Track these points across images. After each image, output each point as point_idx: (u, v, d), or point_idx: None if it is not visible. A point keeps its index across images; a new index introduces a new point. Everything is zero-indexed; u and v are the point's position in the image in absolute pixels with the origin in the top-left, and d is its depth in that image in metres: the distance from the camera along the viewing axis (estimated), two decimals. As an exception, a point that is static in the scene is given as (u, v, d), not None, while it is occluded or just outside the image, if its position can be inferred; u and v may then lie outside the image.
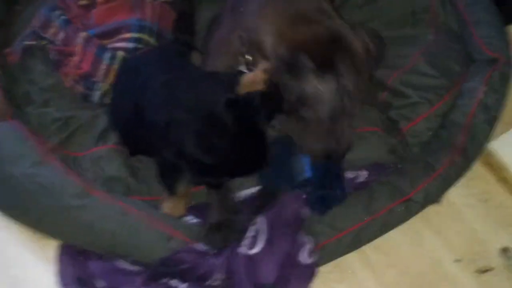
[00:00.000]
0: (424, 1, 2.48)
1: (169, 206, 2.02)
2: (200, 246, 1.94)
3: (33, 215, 2.00)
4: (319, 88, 1.81)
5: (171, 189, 1.99)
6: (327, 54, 1.80)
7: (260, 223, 1.95)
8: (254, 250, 1.91)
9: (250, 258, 1.90)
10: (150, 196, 2.10)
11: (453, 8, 2.44)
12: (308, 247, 1.95)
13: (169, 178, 1.98)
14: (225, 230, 1.95)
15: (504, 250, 2.18)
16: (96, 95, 2.32)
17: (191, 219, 2.06)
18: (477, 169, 2.31)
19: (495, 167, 2.30)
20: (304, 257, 1.95)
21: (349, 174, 2.08)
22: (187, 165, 1.81)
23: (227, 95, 1.80)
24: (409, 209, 2.06)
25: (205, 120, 1.78)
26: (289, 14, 1.93)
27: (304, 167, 1.99)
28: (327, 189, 1.98)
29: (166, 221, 1.97)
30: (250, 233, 1.94)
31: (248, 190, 2.09)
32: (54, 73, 2.39)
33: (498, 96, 2.19)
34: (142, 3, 2.46)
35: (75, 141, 2.21)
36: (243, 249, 1.91)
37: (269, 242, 1.92)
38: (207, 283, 1.92)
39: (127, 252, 1.96)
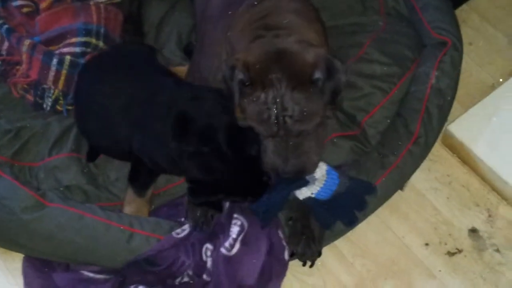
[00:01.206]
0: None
1: (133, 209, 2.00)
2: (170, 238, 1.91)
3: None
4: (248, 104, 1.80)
5: (141, 192, 1.99)
6: (266, 70, 1.76)
7: (241, 225, 1.93)
8: (234, 251, 1.90)
9: (230, 259, 1.89)
10: (109, 202, 2.07)
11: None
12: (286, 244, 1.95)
13: (143, 181, 2.00)
14: (205, 205, 1.94)
15: (472, 231, 2.18)
16: (48, 103, 2.27)
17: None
18: (438, 151, 2.32)
19: (455, 149, 2.31)
20: (286, 255, 1.94)
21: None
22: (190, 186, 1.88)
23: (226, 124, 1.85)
24: (369, 203, 2.02)
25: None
26: (250, 28, 1.92)
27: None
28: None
29: (123, 220, 1.93)
30: (232, 234, 1.92)
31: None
32: (2, 84, 2.33)
33: (450, 79, 2.18)
34: (86, 6, 2.41)
35: (29, 152, 2.17)
36: (223, 250, 1.90)
37: (249, 242, 1.91)
38: (176, 281, 1.91)
39: (90, 259, 1.93)
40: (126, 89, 1.99)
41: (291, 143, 1.78)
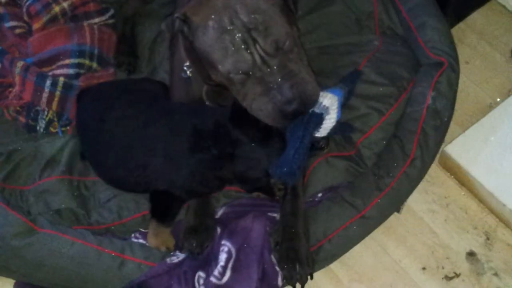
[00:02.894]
0: (367, 7, 2.46)
1: (159, 242, 1.96)
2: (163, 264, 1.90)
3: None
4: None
5: (168, 223, 1.96)
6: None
7: (229, 251, 1.90)
8: (224, 280, 1.87)
9: (221, 288, 1.87)
10: (99, 225, 2.05)
11: (396, 12, 2.42)
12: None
13: (169, 211, 1.96)
14: (201, 234, 1.91)
15: (470, 255, 2.15)
16: (42, 124, 2.25)
17: (137, 240, 2.01)
18: (436, 173, 2.29)
19: (453, 171, 2.28)
20: (280, 281, 1.91)
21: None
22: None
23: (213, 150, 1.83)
24: (365, 226, 2.01)
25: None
26: None
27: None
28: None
29: (115, 246, 1.91)
30: (220, 262, 1.89)
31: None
32: (-6, 106, 2.31)
33: (447, 100, 2.15)
34: (80, 27, 2.40)
35: (20, 175, 2.15)
36: (213, 279, 1.86)
37: (240, 269, 1.88)
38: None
39: (82, 285, 1.91)
40: (139, 117, 1.96)
41: (275, 67, 1.68)
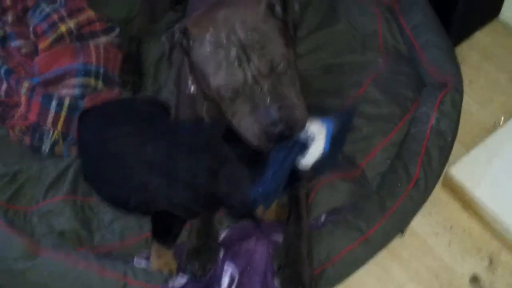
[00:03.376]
0: (371, 26, 2.46)
1: (162, 264, 1.95)
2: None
3: (-18, 281, 1.94)
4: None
5: (170, 244, 1.96)
6: (210, 14, 1.70)
7: (231, 275, 1.89)
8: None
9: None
10: (102, 246, 2.05)
11: (400, 31, 2.42)
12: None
13: (171, 232, 1.96)
14: (203, 256, 1.90)
15: (474, 279, 2.14)
16: (47, 145, 2.26)
17: (139, 263, 2.00)
18: (439, 195, 2.28)
19: (456, 192, 2.27)
20: None
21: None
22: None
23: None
24: (368, 248, 2.00)
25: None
26: None
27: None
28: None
29: (117, 269, 1.89)
30: (223, 285, 1.88)
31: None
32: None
33: (451, 120, 2.15)
34: (85, 47, 2.41)
35: (24, 195, 2.15)
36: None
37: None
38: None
39: None
40: (138, 136, 1.96)
41: (265, 87, 1.67)
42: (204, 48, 1.69)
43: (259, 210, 1.98)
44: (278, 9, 1.73)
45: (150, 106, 2.19)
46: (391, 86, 2.25)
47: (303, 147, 1.76)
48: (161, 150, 1.88)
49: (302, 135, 1.77)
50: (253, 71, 1.66)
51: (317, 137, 1.77)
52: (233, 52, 1.65)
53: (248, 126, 1.72)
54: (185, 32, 1.74)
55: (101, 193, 2.07)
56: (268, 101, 1.68)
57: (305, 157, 1.76)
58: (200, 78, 1.78)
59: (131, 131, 1.97)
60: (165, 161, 1.86)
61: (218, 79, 1.68)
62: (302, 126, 1.74)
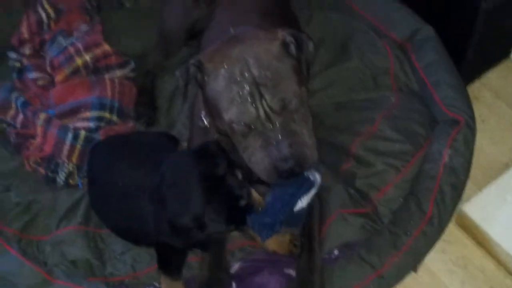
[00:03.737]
0: (383, 64, 2.48)
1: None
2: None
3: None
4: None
5: (176, 276, 1.95)
6: (225, 51, 1.74)
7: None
8: None
9: None
10: (113, 277, 2.05)
11: (412, 69, 2.44)
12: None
13: (175, 264, 1.95)
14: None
15: (488, 318, 2.14)
16: (62, 177, 2.27)
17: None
18: (453, 232, 2.28)
19: (470, 230, 2.27)
20: None
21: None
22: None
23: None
24: (381, 285, 1.98)
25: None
26: None
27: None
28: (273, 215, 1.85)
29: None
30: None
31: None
32: (15, 157, 2.35)
33: (464, 158, 2.15)
34: (101, 80, 2.44)
35: (38, 225, 2.16)
36: None
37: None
38: None
39: None
40: (140, 169, 1.97)
41: (277, 124, 1.70)
42: (218, 83, 1.72)
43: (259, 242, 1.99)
44: (292, 48, 1.76)
45: (159, 140, 2.21)
46: (403, 123, 2.26)
47: (309, 188, 1.81)
48: (155, 181, 1.88)
49: (311, 176, 1.79)
50: (265, 108, 1.68)
51: (317, 186, 1.83)
52: (247, 88, 1.68)
53: (259, 160, 1.74)
54: (199, 66, 1.76)
55: (107, 224, 2.09)
56: (279, 138, 1.70)
57: (303, 199, 1.82)
58: (213, 111, 1.80)
59: (135, 164, 1.99)
60: (156, 193, 1.86)
61: (230, 113, 1.71)
62: (312, 164, 1.77)
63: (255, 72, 1.68)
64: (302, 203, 1.84)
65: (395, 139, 2.22)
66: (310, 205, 1.93)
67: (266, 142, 1.71)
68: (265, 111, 1.69)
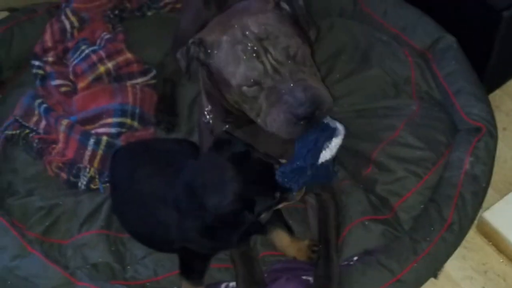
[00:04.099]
0: (404, 72, 2.48)
1: None
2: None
3: (17, 309, 1.95)
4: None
5: (198, 281, 1.96)
6: (223, 21, 1.80)
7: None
8: None
9: None
10: (135, 280, 2.06)
11: (433, 78, 2.44)
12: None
13: (197, 270, 1.96)
14: None
15: (508, 325, 2.11)
16: (83, 181, 2.30)
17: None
18: (473, 239, 2.26)
19: (491, 237, 2.25)
20: None
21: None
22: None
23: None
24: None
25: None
26: None
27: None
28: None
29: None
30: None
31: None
32: (38, 161, 2.37)
33: (485, 166, 2.14)
34: (123, 87, 2.48)
35: (59, 229, 2.18)
36: None
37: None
38: None
39: None
40: (161, 176, 1.99)
41: (286, 74, 1.71)
42: (222, 50, 1.75)
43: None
44: (284, 5, 1.80)
45: (180, 147, 2.23)
46: (425, 131, 2.26)
47: (331, 134, 1.80)
48: (175, 188, 1.90)
49: (331, 124, 1.81)
50: (271, 61, 1.71)
51: (340, 133, 1.82)
52: (250, 45, 1.71)
53: (276, 117, 1.74)
54: (200, 44, 1.79)
55: (129, 229, 2.11)
56: (291, 85, 1.71)
57: (328, 148, 1.80)
58: (221, 86, 1.82)
59: (156, 171, 2.01)
60: (180, 200, 1.87)
61: (238, 76, 1.73)
62: (329, 108, 1.77)
63: (255, 30, 1.72)
64: (326, 153, 1.82)
65: (416, 146, 2.21)
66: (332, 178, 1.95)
67: (279, 94, 1.72)
68: (272, 65, 1.71)
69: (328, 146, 1.83)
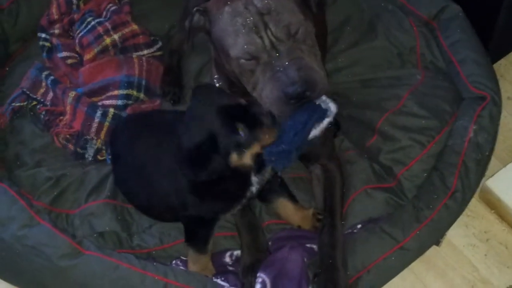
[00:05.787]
0: (409, 42, 2.48)
1: (199, 268, 2.00)
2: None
3: (25, 277, 1.98)
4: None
5: (202, 248, 1.99)
6: None
7: (263, 282, 1.89)
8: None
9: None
10: (141, 249, 2.09)
11: (438, 47, 2.43)
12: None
13: (201, 237, 1.98)
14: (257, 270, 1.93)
15: (510, 291, 2.14)
16: (91, 153, 2.32)
17: (178, 265, 2.04)
18: (476, 207, 2.28)
19: (493, 205, 2.27)
20: None
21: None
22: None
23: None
24: (404, 257, 2.00)
25: None
26: None
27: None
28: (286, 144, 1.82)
29: (158, 270, 1.93)
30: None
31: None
32: (45, 133, 2.40)
33: (488, 134, 2.15)
34: (129, 59, 2.48)
35: (67, 199, 2.20)
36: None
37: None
38: None
39: None
40: (161, 146, 2.00)
41: (283, 52, 1.72)
42: (223, 20, 1.77)
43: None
44: None
45: (177, 117, 2.22)
46: (429, 100, 2.26)
47: (322, 115, 1.79)
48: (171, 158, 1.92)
49: (323, 104, 1.80)
50: (270, 37, 1.72)
51: (331, 114, 1.81)
52: (250, 19, 1.72)
53: (269, 93, 1.76)
54: (204, 13, 1.81)
55: (132, 201, 2.14)
56: (286, 63, 1.72)
57: (318, 127, 1.81)
58: (222, 55, 1.83)
59: (155, 143, 2.03)
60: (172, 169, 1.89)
61: (236, 48, 1.74)
62: (322, 89, 1.78)
63: (258, 4, 1.72)
64: (316, 131, 1.83)
65: (421, 115, 2.22)
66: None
67: (273, 71, 1.73)
68: (270, 41, 1.72)
69: (317, 127, 1.83)
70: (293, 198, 2.08)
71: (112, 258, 1.93)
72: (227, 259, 2.08)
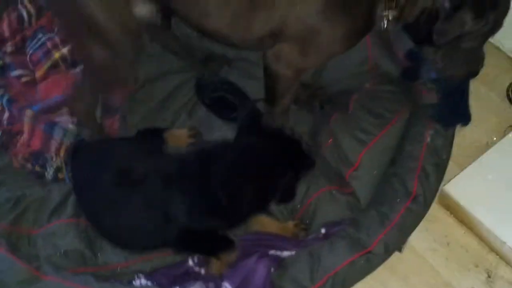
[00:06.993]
0: (362, 53, 2.50)
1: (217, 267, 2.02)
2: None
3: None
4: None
5: (231, 246, 2.02)
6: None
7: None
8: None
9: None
10: (106, 265, 2.07)
11: (391, 56, 2.48)
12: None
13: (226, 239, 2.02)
14: None
15: (471, 294, 2.17)
16: (50, 171, 2.28)
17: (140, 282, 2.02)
18: (436, 212, 2.31)
19: (452, 209, 2.31)
20: None
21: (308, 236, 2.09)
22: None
23: None
24: (370, 261, 2.01)
25: None
26: None
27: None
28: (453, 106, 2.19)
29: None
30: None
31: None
32: (3, 153, 2.35)
33: (445, 138, 2.21)
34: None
35: (28, 219, 2.17)
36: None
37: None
38: None
39: None
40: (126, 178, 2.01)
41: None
42: None
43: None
44: None
45: (140, 145, 2.24)
46: (375, 103, 2.34)
47: None
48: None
49: None
50: None
51: None
52: None
53: (460, 67, 2.01)
54: None
55: (105, 232, 2.09)
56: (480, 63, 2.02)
57: None
58: None
59: (116, 176, 2.02)
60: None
61: None
62: None
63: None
64: None
65: (365, 118, 2.30)
66: None
67: (475, 59, 2.01)
68: None
69: None
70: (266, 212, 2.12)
71: (71, 282, 1.92)
72: (190, 262, 2.07)
